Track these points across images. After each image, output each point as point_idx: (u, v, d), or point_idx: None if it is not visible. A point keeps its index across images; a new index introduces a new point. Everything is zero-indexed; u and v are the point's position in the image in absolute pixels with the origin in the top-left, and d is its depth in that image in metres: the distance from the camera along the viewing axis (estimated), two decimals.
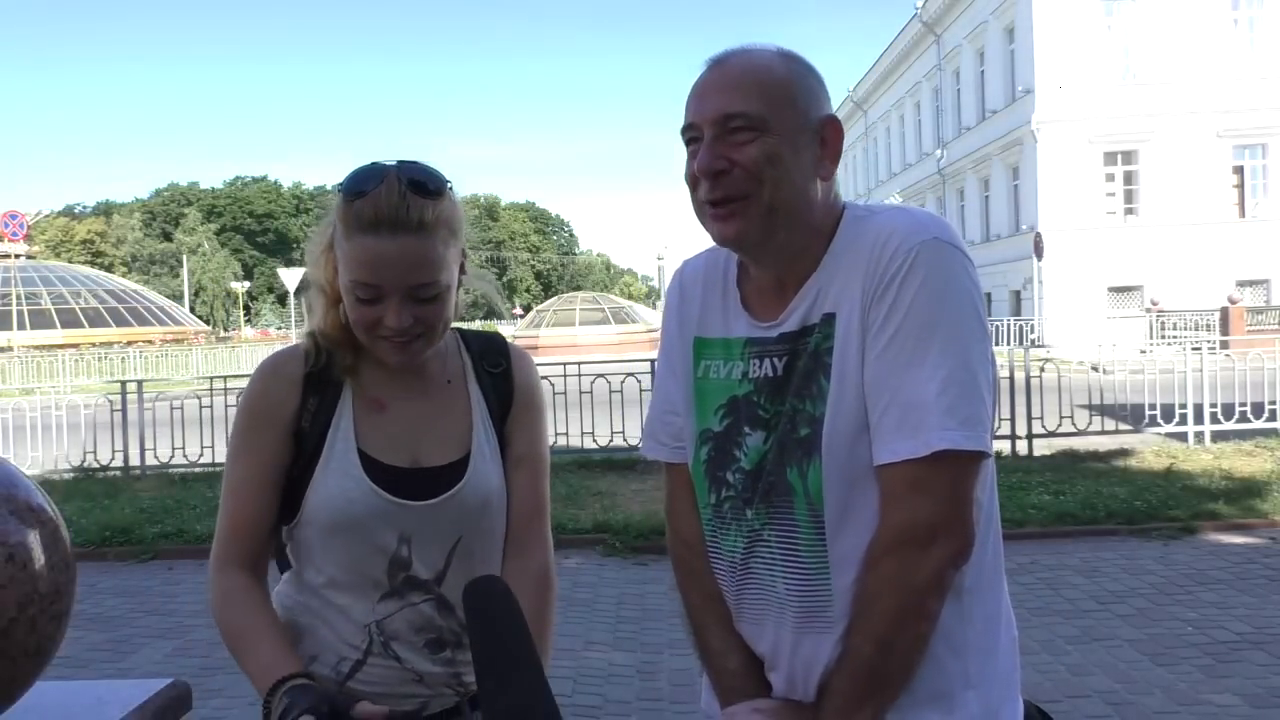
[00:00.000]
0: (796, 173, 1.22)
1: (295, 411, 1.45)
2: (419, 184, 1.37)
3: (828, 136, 1.25)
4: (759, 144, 1.20)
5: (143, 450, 9.45)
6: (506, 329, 33.40)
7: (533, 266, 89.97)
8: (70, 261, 57.70)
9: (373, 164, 1.40)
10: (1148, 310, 24.53)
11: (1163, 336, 21.90)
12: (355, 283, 1.37)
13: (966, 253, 1.21)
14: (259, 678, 1.32)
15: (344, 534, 1.41)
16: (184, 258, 70.67)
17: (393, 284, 1.36)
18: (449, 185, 1.42)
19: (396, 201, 1.35)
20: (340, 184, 1.40)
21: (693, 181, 1.25)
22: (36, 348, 28.86)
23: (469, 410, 1.52)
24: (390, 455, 1.45)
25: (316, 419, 1.45)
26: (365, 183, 1.37)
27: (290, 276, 33.89)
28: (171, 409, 9.64)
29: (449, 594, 1.45)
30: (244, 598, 1.40)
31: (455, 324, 1.54)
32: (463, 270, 1.49)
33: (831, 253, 1.24)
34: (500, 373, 1.58)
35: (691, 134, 1.25)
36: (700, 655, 1.37)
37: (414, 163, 1.41)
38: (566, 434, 9.20)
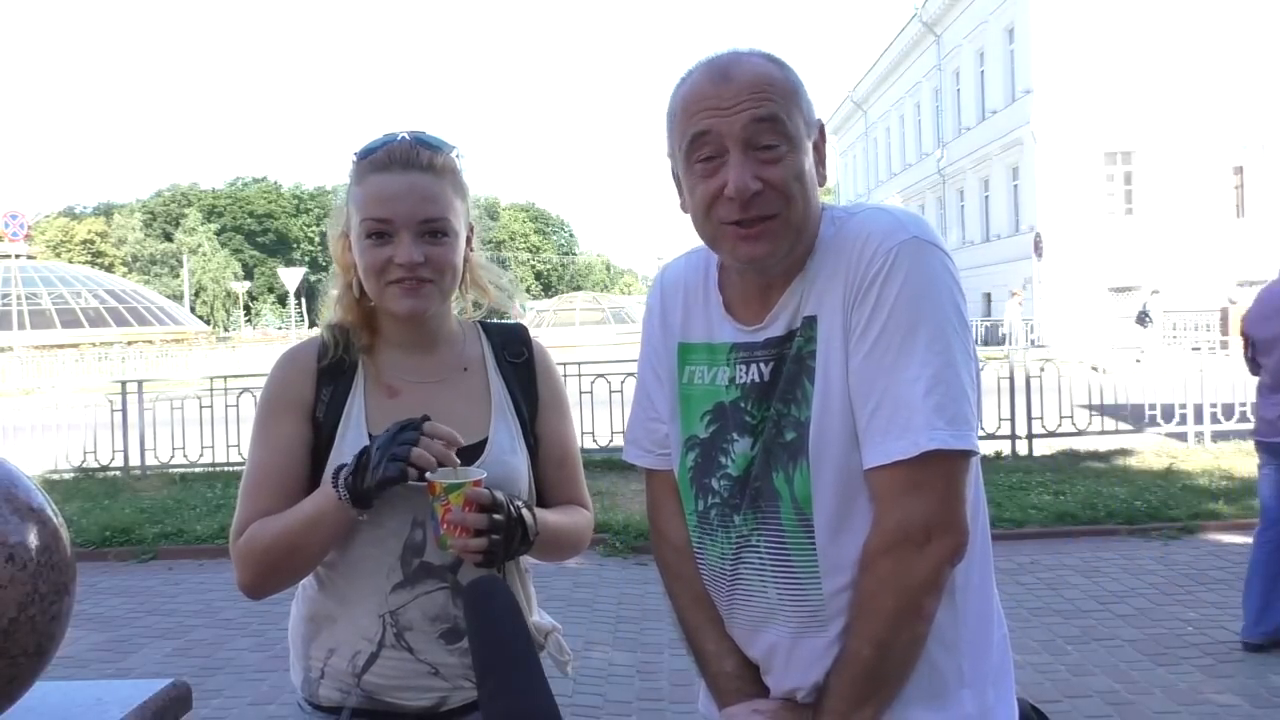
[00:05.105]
0: (812, 185, 1.21)
1: (311, 401, 1.47)
2: (425, 139, 1.48)
3: (818, 142, 1.24)
4: (787, 160, 1.17)
5: (143, 450, 9.44)
6: None
7: (533, 267, 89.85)
8: (70, 261, 57.65)
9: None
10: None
11: (1162, 336, 21.88)
12: (367, 220, 1.42)
13: (946, 250, 1.20)
14: (319, 502, 1.38)
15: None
16: (184, 258, 70.61)
17: (404, 217, 1.41)
18: (455, 150, 1.50)
19: (406, 148, 1.45)
20: (355, 153, 1.48)
21: (709, 201, 1.19)
22: (36, 348, 28.82)
23: (487, 397, 1.53)
24: None
25: (330, 409, 1.47)
26: (376, 142, 1.47)
27: (290, 276, 33.87)
28: (171, 409, 9.63)
29: (466, 581, 1.44)
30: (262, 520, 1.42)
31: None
32: (470, 245, 1.52)
33: (813, 255, 1.23)
34: (523, 362, 1.59)
35: (709, 149, 1.18)
36: (695, 658, 1.36)
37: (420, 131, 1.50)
38: None
